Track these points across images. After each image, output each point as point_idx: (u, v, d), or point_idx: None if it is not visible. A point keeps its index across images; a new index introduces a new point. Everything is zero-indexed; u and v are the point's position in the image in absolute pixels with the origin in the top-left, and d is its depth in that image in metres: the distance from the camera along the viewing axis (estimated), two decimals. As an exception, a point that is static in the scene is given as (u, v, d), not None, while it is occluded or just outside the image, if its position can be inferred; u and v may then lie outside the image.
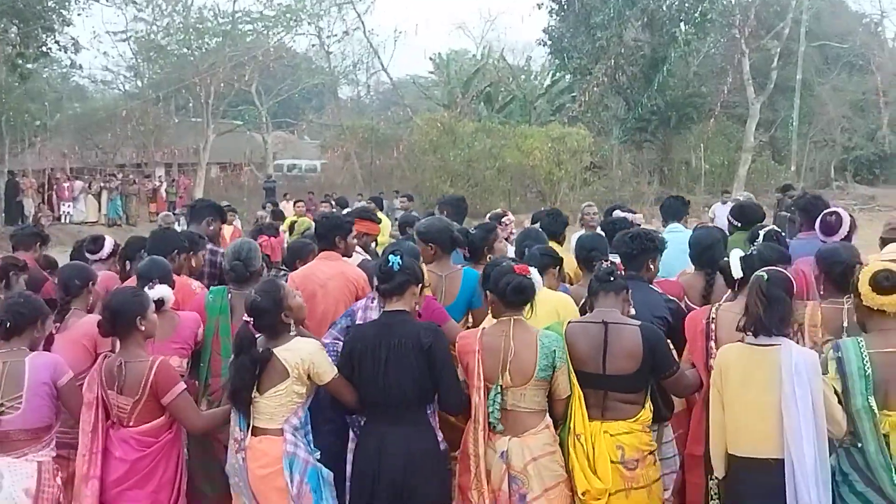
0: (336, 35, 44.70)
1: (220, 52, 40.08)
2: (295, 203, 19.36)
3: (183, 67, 41.22)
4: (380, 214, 14.86)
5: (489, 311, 4.96)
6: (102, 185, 32.21)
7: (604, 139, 39.40)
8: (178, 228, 16.63)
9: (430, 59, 49.31)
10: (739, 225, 7.46)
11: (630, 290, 4.92)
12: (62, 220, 30.42)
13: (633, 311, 4.87)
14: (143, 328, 4.63)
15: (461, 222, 7.60)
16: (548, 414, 4.68)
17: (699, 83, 41.09)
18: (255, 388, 4.52)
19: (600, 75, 37.06)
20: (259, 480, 4.49)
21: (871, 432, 4.20)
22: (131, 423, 4.61)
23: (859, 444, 4.24)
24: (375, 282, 4.85)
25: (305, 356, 4.51)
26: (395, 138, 39.30)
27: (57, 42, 32.17)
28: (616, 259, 5.55)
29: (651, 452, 4.75)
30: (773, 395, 4.18)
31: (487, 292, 4.86)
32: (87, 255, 6.60)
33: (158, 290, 5.10)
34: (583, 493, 4.52)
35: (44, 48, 31.69)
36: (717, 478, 4.48)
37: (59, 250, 12.68)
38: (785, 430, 4.12)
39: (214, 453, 5.18)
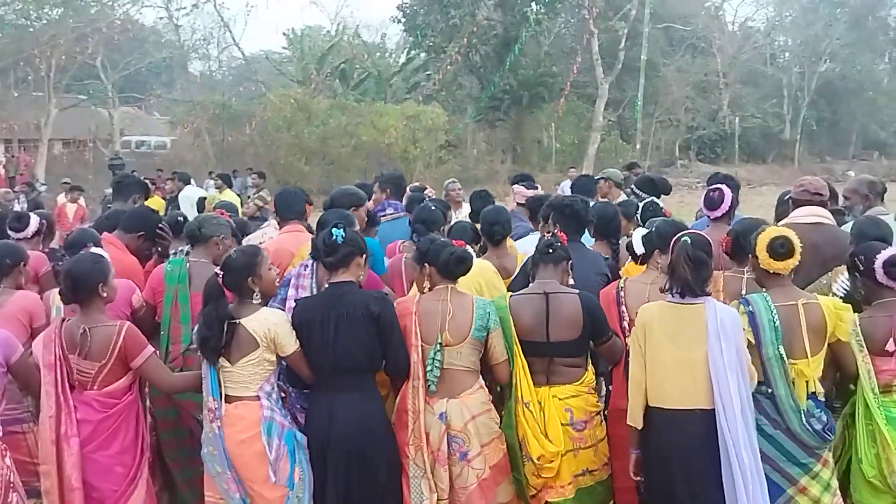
0: (185, 8, 43.53)
1: (62, 23, 38.35)
2: (165, 180, 18.78)
3: (22, 39, 39.27)
4: (231, 192, 14.69)
5: (426, 283, 5.07)
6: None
7: (458, 118, 39.77)
8: (17, 207, 16.05)
9: (284, 34, 48.66)
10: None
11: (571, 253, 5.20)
12: None
13: (571, 282, 5.09)
14: (104, 294, 4.65)
15: (400, 200, 7.76)
16: (481, 376, 4.92)
17: (550, 63, 41.85)
18: (224, 353, 4.57)
19: (454, 54, 37.33)
20: (237, 445, 4.54)
21: (780, 378, 4.58)
22: (94, 387, 4.62)
23: (770, 390, 4.60)
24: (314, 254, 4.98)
25: (272, 325, 4.60)
26: (247, 114, 38.55)
27: None
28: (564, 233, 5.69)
29: (597, 413, 5.05)
30: (699, 350, 4.44)
31: (426, 265, 5.01)
32: (11, 232, 6.30)
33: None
34: (538, 458, 4.76)
35: None
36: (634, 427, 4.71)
37: None
38: (713, 382, 4.39)
39: (183, 420, 5.36)
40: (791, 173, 37.54)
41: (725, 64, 48.41)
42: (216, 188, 16.28)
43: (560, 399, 4.91)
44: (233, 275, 4.63)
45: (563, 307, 4.92)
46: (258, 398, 4.59)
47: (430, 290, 4.98)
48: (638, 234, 5.43)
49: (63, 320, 4.74)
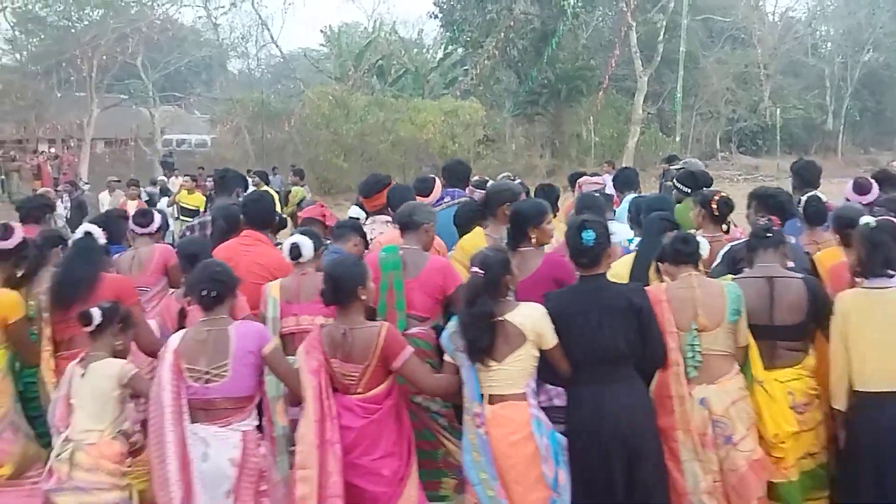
0: (223, 6, 43.79)
1: (103, 24, 38.77)
2: (184, 177, 18.94)
3: (64, 40, 39.80)
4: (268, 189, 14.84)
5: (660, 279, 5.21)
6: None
7: (496, 112, 39.65)
8: (60, 206, 16.27)
9: (321, 31, 48.93)
10: (689, 191, 7.69)
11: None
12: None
13: (790, 265, 5.19)
14: (363, 297, 4.66)
15: (462, 188, 7.79)
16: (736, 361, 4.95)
17: (588, 56, 41.59)
18: (488, 352, 4.53)
19: (491, 49, 37.18)
20: (508, 448, 4.50)
21: None
22: (359, 390, 4.62)
23: None
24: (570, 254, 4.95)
25: (537, 319, 4.60)
26: (286, 112, 38.72)
27: (-74, 13, 30.79)
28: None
29: (817, 396, 5.08)
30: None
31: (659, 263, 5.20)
32: (136, 228, 6.45)
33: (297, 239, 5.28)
34: (773, 436, 4.87)
35: (-88, 19, 30.26)
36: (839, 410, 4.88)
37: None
38: None
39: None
40: (834, 165, 37.11)
41: (766, 55, 47.82)
42: (254, 185, 16.40)
43: (782, 382, 4.99)
44: (492, 270, 4.61)
45: (788, 291, 5.00)
46: (525, 396, 4.58)
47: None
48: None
49: (321, 325, 4.75)
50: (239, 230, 6.21)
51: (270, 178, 18.46)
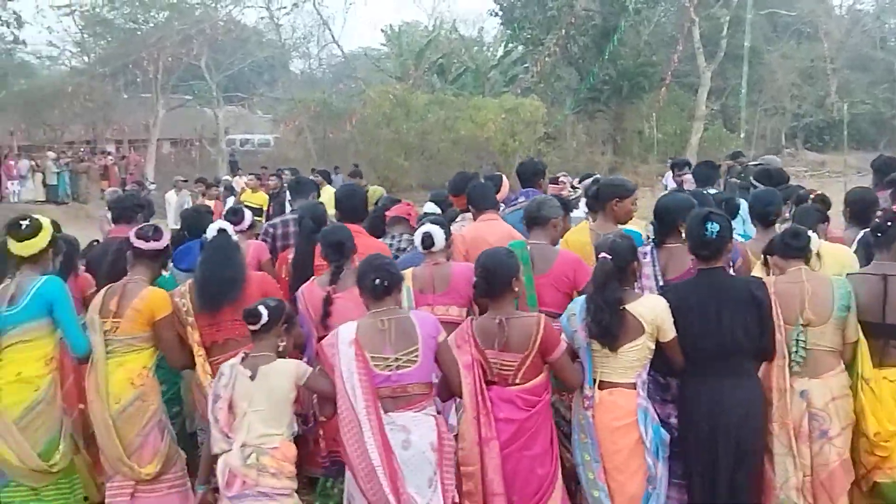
0: (285, 7, 44.26)
1: (168, 25, 39.46)
2: (250, 177, 19.22)
3: (130, 42, 40.53)
4: (330, 188, 15.05)
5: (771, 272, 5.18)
6: (51, 161, 31.58)
7: (557, 109, 39.46)
8: (128, 206, 16.54)
9: (382, 30, 49.04)
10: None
11: None
12: (10, 200, 29.87)
13: None
14: (516, 289, 4.68)
15: (537, 187, 7.80)
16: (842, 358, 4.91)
17: (650, 52, 41.23)
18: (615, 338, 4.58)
19: (552, 46, 37.05)
20: (611, 433, 4.56)
21: None
22: (517, 381, 4.61)
23: None
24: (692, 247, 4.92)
25: (658, 311, 4.62)
26: (347, 111, 38.97)
27: (-1, 17, 31.57)
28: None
29: None
30: None
31: (768, 256, 5.20)
32: (229, 225, 6.50)
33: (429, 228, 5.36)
34: (874, 434, 4.79)
35: (-15, 23, 31.05)
36: None
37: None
38: None
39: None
40: (904, 160, 36.21)
41: (833, 49, 46.94)
42: (316, 184, 16.56)
43: (890, 381, 4.90)
44: (622, 258, 4.66)
45: None
46: (634, 386, 4.61)
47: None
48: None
49: (471, 319, 4.77)
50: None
51: (333, 177, 18.62)
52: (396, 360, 4.40)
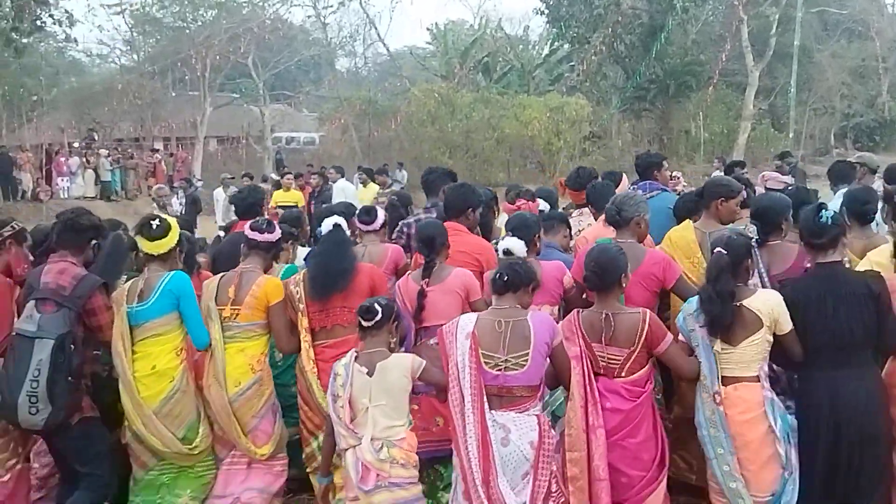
0: (332, 6, 44.44)
1: (216, 24, 39.83)
2: (296, 176, 19.33)
3: (179, 40, 41.00)
4: (374, 186, 15.19)
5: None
6: (102, 158, 32.00)
7: (603, 108, 39.33)
8: (174, 202, 16.74)
9: (428, 29, 49.25)
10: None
11: None
12: (60, 196, 30.30)
13: None
14: (623, 284, 4.83)
15: (654, 179, 7.80)
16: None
17: (697, 51, 40.92)
18: (724, 335, 4.69)
19: (598, 44, 36.91)
20: (740, 426, 4.66)
21: None
22: (622, 374, 4.74)
23: None
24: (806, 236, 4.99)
25: (774, 305, 4.70)
26: (392, 110, 39.13)
27: (51, 16, 32.04)
28: None
29: None
30: None
31: None
32: (361, 225, 6.59)
33: (508, 242, 5.37)
34: None
35: (38, 22, 31.50)
36: None
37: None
38: None
39: None
40: (957, 161, 35.58)
41: (885, 47, 46.23)
42: (361, 182, 16.67)
43: None
44: (736, 254, 4.76)
45: None
46: (758, 378, 4.70)
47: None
48: None
49: (578, 311, 4.87)
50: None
51: (398, 172, 18.70)
52: (506, 361, 4.53)
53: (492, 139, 34.35)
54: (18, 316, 5.16)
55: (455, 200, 6.41)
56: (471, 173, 31.87)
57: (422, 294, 5.40)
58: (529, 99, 36.48)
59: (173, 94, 43.54)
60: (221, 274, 5.57)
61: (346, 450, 4.60)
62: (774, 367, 4.92)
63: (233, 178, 19.27)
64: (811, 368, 4.80)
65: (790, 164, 13.92)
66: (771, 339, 4.70)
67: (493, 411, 4.50)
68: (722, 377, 4.70)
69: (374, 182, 16.26)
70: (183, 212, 16.59)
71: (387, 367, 4.61)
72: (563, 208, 7.85)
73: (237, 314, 5.34)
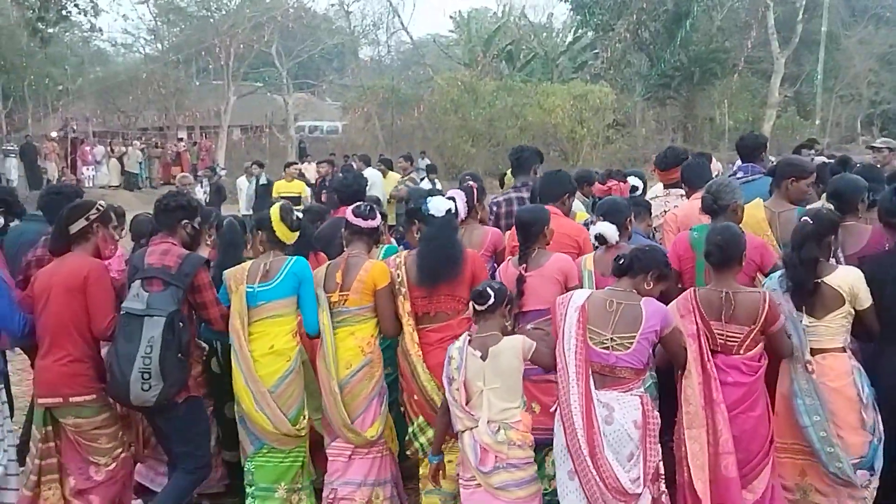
0: (355, -6, 44.44)
1: (240, 13, 39.98)
2: (318, 164, 19.36)
3: (203, 29, 41.16)
4: (394, 175, 15.13)
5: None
6: (135, 150, 32.16)
7: (627, 96, 39.13)
8: (199, 191, 16.78)
9: (451, 17, 49.19)
10: None
11: None
12: (85, 185, 30.49)
13: None
14: (741, 263, 4.94)
15: (757, 162, 7.80)
16: None
17: (723, 38, 40.65)
18: (808, 310, 4.88)
19: (622, 31, 36.77)
20: (830, 393, 4.83)
21: None
22: (740, 351, 4.83)
23: None
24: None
25: (854, 281, 4.88)
26: (416, 98, 39.12)
27: (76, 5, 32.29)
28: None
29: None
30: None
31: None
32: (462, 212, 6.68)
33: (600, 227, 5.50)
34: None
35: (63, 12, 31.76)
36: None
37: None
38: None
39: None
40: None
41: (914, 34, 45.76)
42: (380, 171, 16.65)
43: None
44: (822, 226, 4.92)
45: None
46: (844, 349, 4.89)
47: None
48: None
49: (695, 289, 4.95)
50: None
51: (421, 161, 18.60)
52: (611, 339, 4.57)
53: (515, 127, 34.25)
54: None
55: (552, 186, 6.39)
56: (493, 161, 31.83)
57: (521, 279, 5.40)
58: (553, 87, 36.35)
59: (197, 84, 43.73)
60: (329, 262, 5.63)
61: (463, 431, 4.65)
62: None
63: (262, 165, 19.15)
64: (888, 344, 4.95)
65: (818, 150, 13.82)
66: (853, 312, 4.85)
67: (596, 390, 4.54)
68: (811, 349, 4.85)
69: (393, 171, 16.24)
70: (207, 200, 16.63)
71: (500, 351, 4.65)
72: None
73: (346, 300, 5.40)
